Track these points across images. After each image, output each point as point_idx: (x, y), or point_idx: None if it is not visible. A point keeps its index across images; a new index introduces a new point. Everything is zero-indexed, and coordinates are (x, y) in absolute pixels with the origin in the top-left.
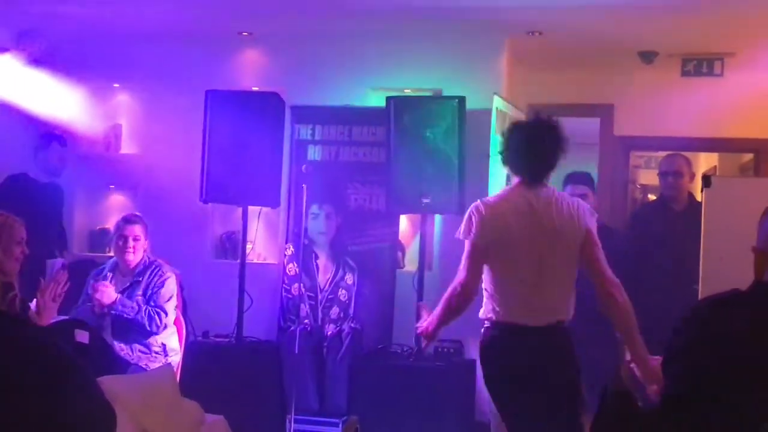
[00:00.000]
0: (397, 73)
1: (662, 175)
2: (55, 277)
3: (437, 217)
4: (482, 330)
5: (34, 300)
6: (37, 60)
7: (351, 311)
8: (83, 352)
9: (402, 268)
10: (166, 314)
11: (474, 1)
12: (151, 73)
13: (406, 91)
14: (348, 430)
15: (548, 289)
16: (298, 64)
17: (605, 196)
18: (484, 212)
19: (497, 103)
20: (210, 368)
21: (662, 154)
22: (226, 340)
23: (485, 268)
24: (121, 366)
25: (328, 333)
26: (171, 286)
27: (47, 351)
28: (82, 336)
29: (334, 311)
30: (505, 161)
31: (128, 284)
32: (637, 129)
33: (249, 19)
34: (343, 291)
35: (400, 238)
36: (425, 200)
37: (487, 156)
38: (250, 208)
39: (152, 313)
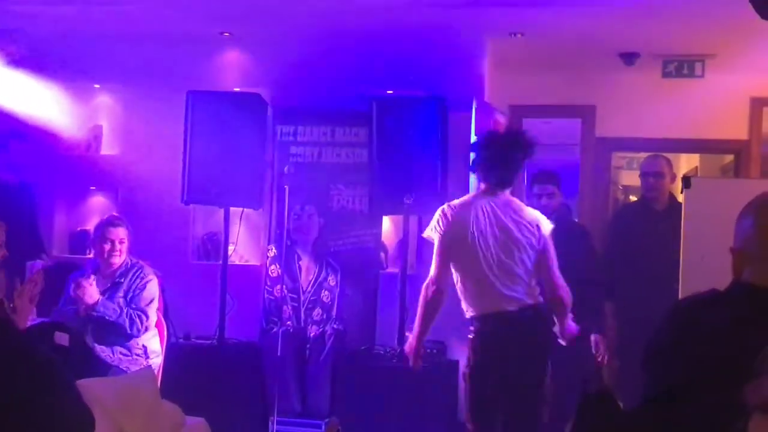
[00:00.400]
0: (380, 75)
1: (643, 175)
2: (33, 278)
3: (420, 218)
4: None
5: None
6: (17, 60)
7: (334, 312)
8: (63, 354)
9: (385, 269)
10: (147, 317)
11: (455, 2)
12: (132, 73)
13: (388, 92)
14: (330, 431)
15: (507, 287)
16: (281, 64)
17: (586, 197)
18: (449, 214)
19: (477, 105)
20: (192, 370)
21: (644, 155)
22: (208, 342)
23: (453, 270)
24: (101, 368)
25: (311, 334)
26: (153, 289)
27: (27, 355)
28: (62, 338)
29: (317, 313)
30: (476, 168)
31: (109, 285)
32: (618, 130)
33: (230, 20)
34: (326, 292)
35: (382, 239)
36: (408, 201)
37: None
38: (232, 209)
39: (134, 316)
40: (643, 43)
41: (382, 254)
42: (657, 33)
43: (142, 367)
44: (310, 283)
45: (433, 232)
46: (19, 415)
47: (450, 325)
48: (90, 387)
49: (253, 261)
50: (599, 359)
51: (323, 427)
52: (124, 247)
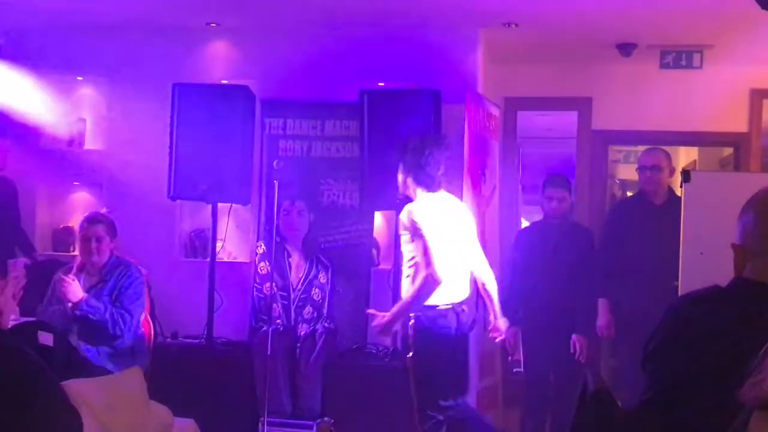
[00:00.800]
0: (371, 66)
1: (641, 169)
2: (16, 275)
3: None
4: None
5: None
6: None
7: (325, 311)
8: (47, 354)
9: (377, 265)
10: (132, 316)
11: None
12: (116, 65)
13: (379, 84)
14: (322, 430)
15: (461, 275)
16: (269, 56)
17: (583, 191)
18: (423, 213)
19: (471, 97)
20: (179, 370)
21: (641, 148)
22: (196, 341)
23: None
24: (86, 368)
25: (302, 333)
26: (139, 288)
27: (13, 357)
28: (46, 338)
29: (308, 311)
30: (418, 171)
31: (95, 282)
32: (615, 123)
33: (217, 10)
34: (317, 290)
35: (374, 235)
36: (399, 196)
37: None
38: (220, 204)
39: (116, 316)
40: (640, 33)
41: (374, 251)
42: (655, 23)
43: (129, 367)
44: (300, 281)
45: (414, 230)
46: (5, 417)
47: None
48: (76, 388)
49: (242, 258)
50: (580, 359)
51: (315, 427)
52: (104, 244)
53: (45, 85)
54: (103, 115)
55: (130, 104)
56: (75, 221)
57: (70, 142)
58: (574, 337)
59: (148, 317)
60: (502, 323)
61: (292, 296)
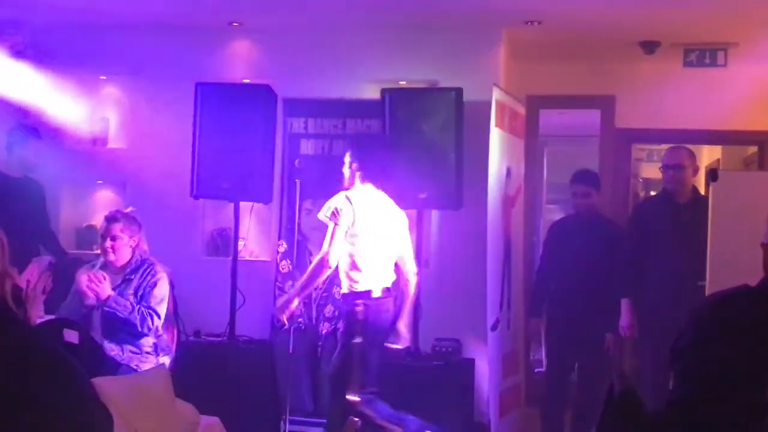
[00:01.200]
0: (392, 65)
1: (665, 168)
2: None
3: (434, 213)
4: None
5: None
6: (20, 52)
7: None
8: (73, 352)
9: None
10: (159, 317)
11: None
12: (139, 64)
13: (401, 83)
14: (348, 429)
15: (387, 266)
16: (291, 55)
17: (606, 190)
18: (352, 203)
19: (497, 94)
20: (202, 368)
21: (665, 146)
22: (219, 339)
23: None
24: (111, 367)
25: (323, 332)
26: (164, 287)
27: (47, 355)
28: (72, 336)
29: (329, 309)
30: (370, 166)
31: (119, 282)
32: (638, 121)
33: (240, 9)
34: (338, 289)
35: None
36: (422, 195)
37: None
38: (242, 203)
39: (145, 314)
40: (663, 31)
41: None
42: (678, 21)
43: (153, 365)
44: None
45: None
46: (38, 415)
47: (466, 324)
48: (102, 386)
49: (264, 257)
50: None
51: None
52: (121, 243)
53: (68, 84)
54: (126, 114)
55: (153, 103)
56: (98, 220)
57: (94, 141)
58: (608, 335)
59: (172, 316)
60: (404, 330)
61: (314, 295)
